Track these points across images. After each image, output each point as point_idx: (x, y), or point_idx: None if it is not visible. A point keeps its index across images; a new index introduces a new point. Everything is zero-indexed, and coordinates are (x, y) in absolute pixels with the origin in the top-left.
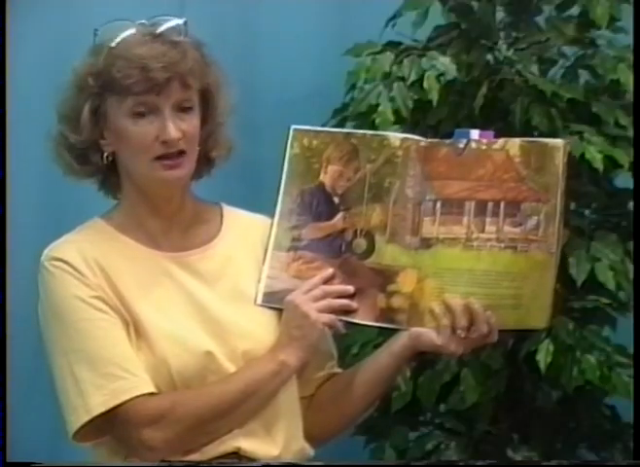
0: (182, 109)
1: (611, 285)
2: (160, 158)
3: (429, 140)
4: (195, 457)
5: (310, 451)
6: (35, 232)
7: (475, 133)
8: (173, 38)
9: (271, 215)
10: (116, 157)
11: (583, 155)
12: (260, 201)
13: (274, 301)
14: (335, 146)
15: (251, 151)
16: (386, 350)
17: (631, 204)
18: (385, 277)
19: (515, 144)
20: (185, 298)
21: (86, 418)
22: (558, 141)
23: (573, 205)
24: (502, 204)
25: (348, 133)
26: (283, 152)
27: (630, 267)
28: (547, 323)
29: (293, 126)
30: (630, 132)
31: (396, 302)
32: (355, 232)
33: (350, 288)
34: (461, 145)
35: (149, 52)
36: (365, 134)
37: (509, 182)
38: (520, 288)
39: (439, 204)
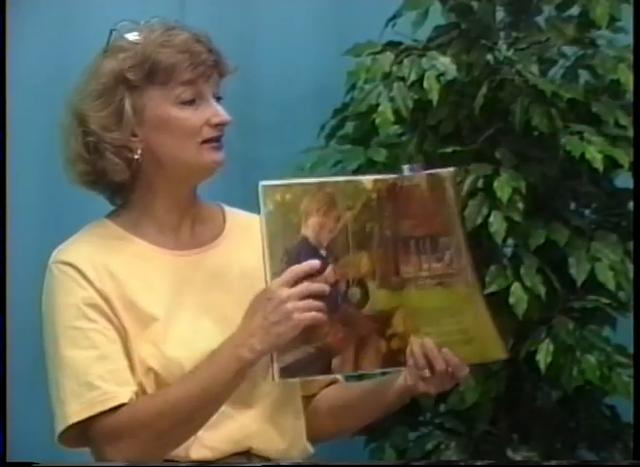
0: (216, 99)
1: (611, 285)
2: (207, 141)
3: (394, 176)
4: (205, 454)
5: (310, 449)
6: (35, 232)
7: (406, 169)
8: (194, 30)
9: None
10: (143, 154)
11: (583, 155)
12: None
13: (294, 373)
14: (310, 198)
15: (251, 151)
16: (390, 387)
17: (631, 204)
18: (382, 322)
19: (423, 178)
20: (194, 296)
21: (63, 426)
22: (446, 171)
23: (573, 205)
24: (428, 241)
25: (321, 183)
26: (258, 211)
27: (630, 267)
28: (506, 353)
29: (261, 183)
30: (630, 132)
31: (395, 344)
32: (347, 282)
33: (326, 287)
34: (399, 182)
35: (191, 37)
36: (338, 182)
37: (428, 217)
38: (461, 322)
39: (401, 243)
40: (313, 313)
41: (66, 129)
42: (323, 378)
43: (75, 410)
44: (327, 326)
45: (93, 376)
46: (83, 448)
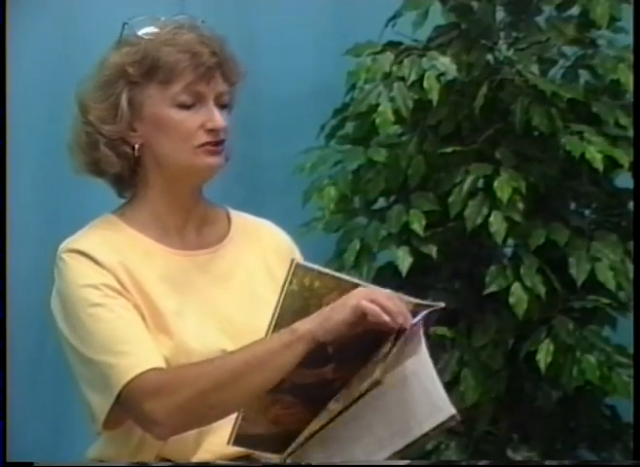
0: (220, 105)
1: (611, 285)
2: (203, 145)
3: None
4: (207, 458)
5: None
6: (35, 230)
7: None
8: (205, 32)
9: (273, 218)
10: (142, 149)
11: (583, 155)
12: (260, 202)
13: (247, 444)
14: (339, 294)
15: (251, 151)
16: None
17: (631, 204)
18: None
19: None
20: (199, 297)
21: (110, 402)
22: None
23: (573, 205)
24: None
25: (356, 284)
26: (282, 284)
27: (630, 267)
28: None
29: (295, 261)
30: (630, 132)
31: None
32: (341, 386)
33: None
34: None
35: (196, 38)
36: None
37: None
38: None
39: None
40: (370, 305)
41: (73, 118)
42: (270, 456)
43: (116, 379)
44: (301, 414)
45: (126, 344)
46: (123, 424)
